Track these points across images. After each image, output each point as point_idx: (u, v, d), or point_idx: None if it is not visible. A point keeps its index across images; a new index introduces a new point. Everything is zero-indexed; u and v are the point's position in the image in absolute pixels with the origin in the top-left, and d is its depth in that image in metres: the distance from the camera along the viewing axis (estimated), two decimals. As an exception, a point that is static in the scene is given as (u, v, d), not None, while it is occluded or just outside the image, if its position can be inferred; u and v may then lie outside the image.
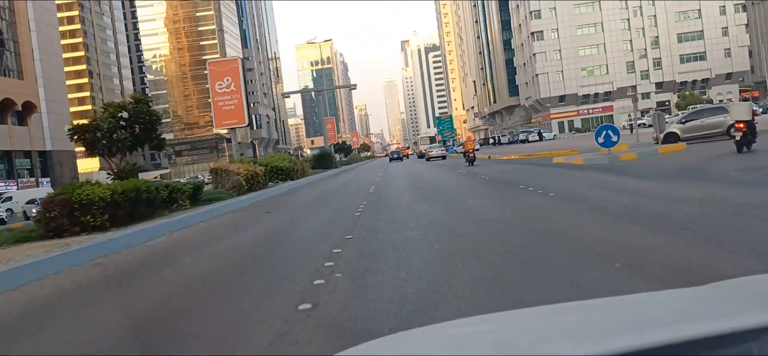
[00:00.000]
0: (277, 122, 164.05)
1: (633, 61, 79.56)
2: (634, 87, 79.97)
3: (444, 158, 44.55)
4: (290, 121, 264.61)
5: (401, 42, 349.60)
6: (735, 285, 1.14)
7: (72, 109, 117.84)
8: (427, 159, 46.21)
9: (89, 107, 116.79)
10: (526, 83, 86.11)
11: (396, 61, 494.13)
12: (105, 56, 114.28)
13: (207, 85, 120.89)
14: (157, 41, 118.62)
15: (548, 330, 0.96)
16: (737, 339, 0.72)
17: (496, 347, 0.91)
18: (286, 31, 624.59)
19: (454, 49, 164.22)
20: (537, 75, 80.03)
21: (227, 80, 21.48)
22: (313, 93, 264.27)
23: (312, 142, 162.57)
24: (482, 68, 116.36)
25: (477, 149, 63.92)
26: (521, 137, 68.20)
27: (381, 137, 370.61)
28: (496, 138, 79.52)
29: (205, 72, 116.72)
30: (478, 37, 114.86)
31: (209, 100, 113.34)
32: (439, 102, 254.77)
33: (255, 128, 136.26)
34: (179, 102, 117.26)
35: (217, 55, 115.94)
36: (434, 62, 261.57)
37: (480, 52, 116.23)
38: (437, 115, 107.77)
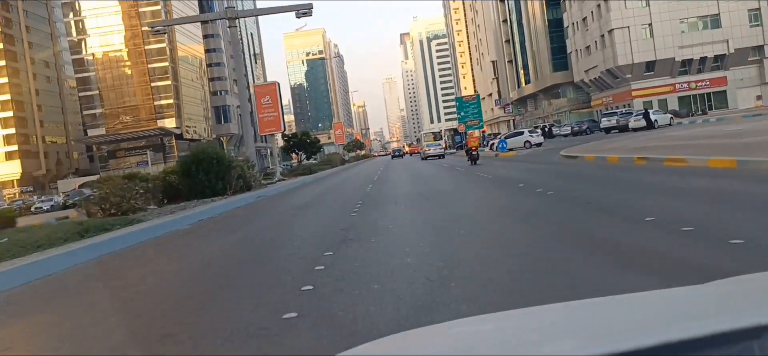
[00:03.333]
0: (253, 114, 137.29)
1: (758, 9, 52.17)
2: (759, 48, 52.86)
3: (442, 157, 42.37)
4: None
5: (400, 35, 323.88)
6: (736, 283, 1.11)
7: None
8: (424, 158, 43.72)
9: (8, 97, 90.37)
10: (588, 48, 58.83)
11: (395, 58, 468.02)
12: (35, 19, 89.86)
13: (150, 65, 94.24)
14: (87, 7, 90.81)
15: (549, 329, 0.95)
16: (738, 337, 0.71)
17: (496, 347, 0.90)
18: (278, 29, 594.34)
19: (463, 29, 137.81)
20: (610, 31, 52.75)
21: None
22: (305, 77, 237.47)
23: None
24: (507, 41, 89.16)
25: (539, 143, 37.48)
26: (604, 123, 40.91)
27: (380, 135, 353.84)
28: (545, 128, 52.33)
29: (148, 47, 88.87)
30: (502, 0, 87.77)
31: (153, 83, 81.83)
32: (443, 95, 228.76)
33: (222, 121, 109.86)
34: (113, 86, 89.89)
35: (162, 19, 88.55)
36: (438, 50, 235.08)
37: (504, 20, 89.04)
38: (458, 95, 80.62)
